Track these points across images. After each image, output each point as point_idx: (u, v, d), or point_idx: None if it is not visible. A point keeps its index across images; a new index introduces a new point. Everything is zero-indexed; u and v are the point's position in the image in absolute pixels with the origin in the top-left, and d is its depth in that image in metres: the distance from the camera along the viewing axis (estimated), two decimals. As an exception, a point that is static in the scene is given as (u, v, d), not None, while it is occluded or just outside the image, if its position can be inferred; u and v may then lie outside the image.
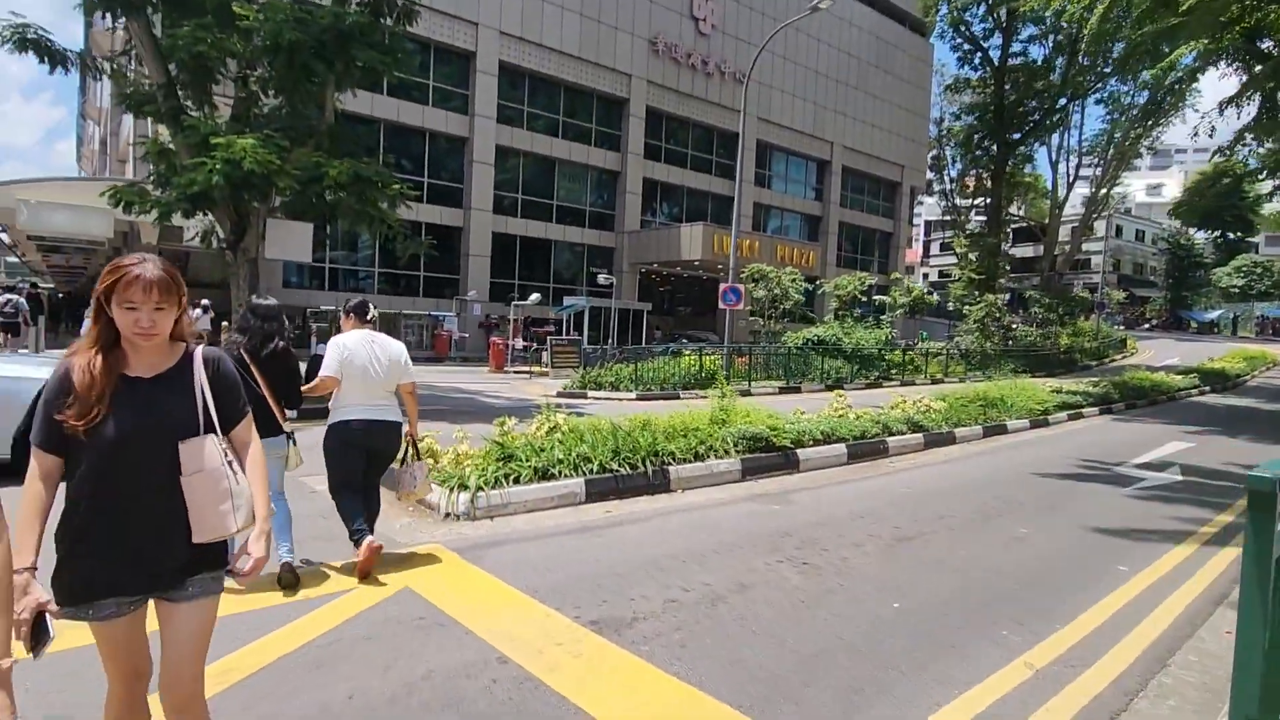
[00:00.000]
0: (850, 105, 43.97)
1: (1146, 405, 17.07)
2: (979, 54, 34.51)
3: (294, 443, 4.22)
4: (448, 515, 5.35)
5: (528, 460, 6.05)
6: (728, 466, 7.35)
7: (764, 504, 6.49)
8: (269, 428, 3.84)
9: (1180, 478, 8.50)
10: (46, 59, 11.45)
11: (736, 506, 6.38)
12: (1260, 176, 26.45)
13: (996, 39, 33.78)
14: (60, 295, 26.15)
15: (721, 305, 18.10)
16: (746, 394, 17.08)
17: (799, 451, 8.19)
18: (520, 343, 23.92)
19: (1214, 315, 63.30)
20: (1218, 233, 63.25)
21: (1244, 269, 58.03)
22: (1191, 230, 65.57)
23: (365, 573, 4.12)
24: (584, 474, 6.21)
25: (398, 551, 4.62)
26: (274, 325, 4.19)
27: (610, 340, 25.16)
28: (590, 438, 6.87)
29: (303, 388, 4.31)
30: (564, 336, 24.50)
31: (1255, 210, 59.48)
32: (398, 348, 4.50)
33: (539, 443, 6.50)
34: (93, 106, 40.54)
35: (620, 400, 15.31)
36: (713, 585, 4.30)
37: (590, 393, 15.99)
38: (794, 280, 22.39)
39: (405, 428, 4.59)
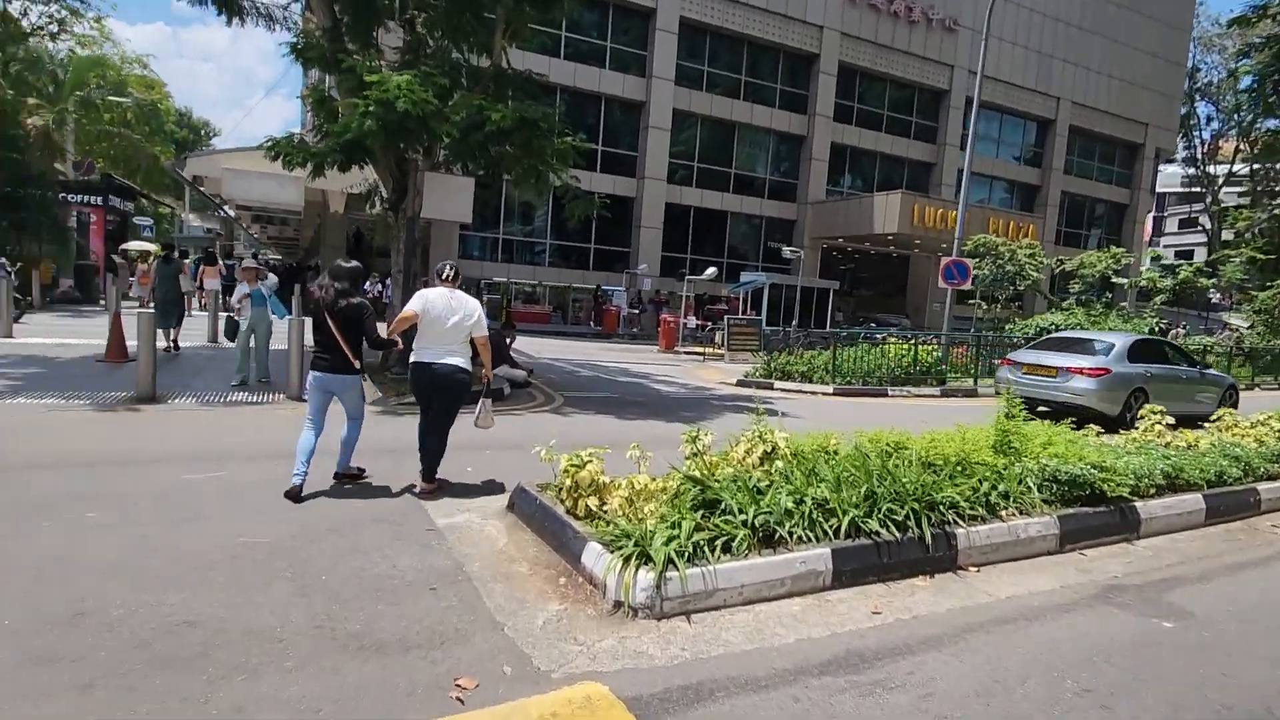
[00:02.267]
0: (1083, 53, 37.01)
1: None
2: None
3: (366, 378, 5.40)
4: (619, 605, 3.29)
5: (740, 510, 3.84)
6: (1039, 529, 4.69)
7: (1132, 615, 3.81)
8: (346, 368, 4.86)
9: None
10: (223, 9, 10.88)
11: (1082, 616, 3.76)
12: None
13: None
14: (292, 265, 27.97)
15: (941, 283, 14.80)
16: (972, 394, 13.78)
17: (1138, 505, 5.31)
18: (693, 321, 21.87)
19: None
20: None
21: None
22: None
23: None
24: (827, 537, 3.91)
25: (525, 698, 2.58)
26: (344, 284, 4.86)
27: (792, 322, 22.40)
28: (826, 470, 4.54)
29: (390, 324, 5.35)
30: (741, 316, 22.09)
31: None
32: (472, 304, 5.06)
33: (753, 478, 4.27)
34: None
35: (815, 395, 12.73)
36: None
37: (777, 383, 13.54)
38: (1032, 255, 18.24)
39: (483, 372, 5.30)
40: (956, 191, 34.79)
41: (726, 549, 3.61)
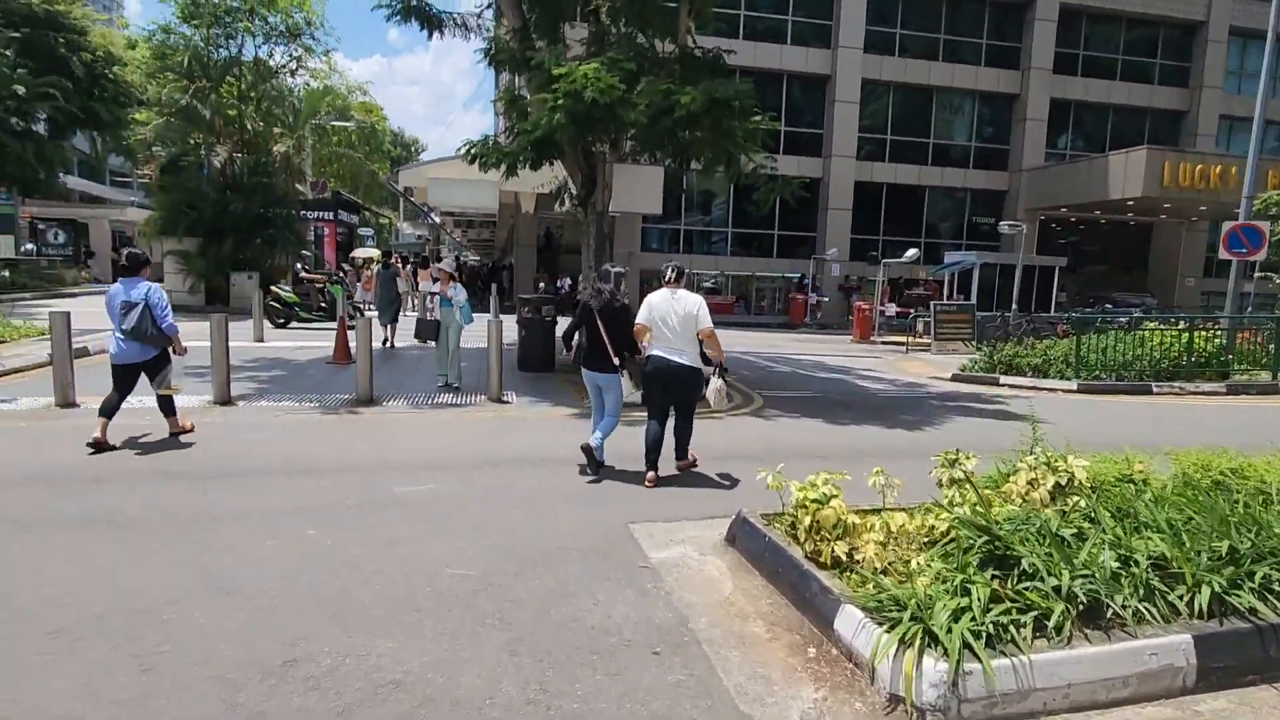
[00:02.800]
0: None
1: None
2: None
3: (624, 374, 5.50)
4: (896, 700, 2.50)
5: (1049, 572, 2.87)
6: None
7: None
8: (606, 366, 5.39)
9: None
10: (424, 25, 11.36)
11: None
12: None
13: None
14: (489, 266, 30.12)
15: (1224, 253, 12.01)
16: (1272, 390, 11.07)
17: None
18: (892, 308, 20.05)
19: None
20: None
21: None
22: None
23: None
24: (1176, 614, 2.82)
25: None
26: (612, 287, 5.45)
27: (1009, 306, 19.76)
28: (1147, 511, 3.40)
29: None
30: (949, 301, 19.89)
31: None
32: (693, 301, 5.21)
33: (1050, 521, 3.25)
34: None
35: (1055, 393, 10.84)
36: None
37: (1003, 379, 11.75)
38: (1347, 213, 14.36)
39: (708, 370, 5.45)
40: (1219, 141, 29.20)
41: (1038, 629, 2.68)
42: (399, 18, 11.30)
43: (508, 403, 8.15)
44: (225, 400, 7.44)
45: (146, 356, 5.69)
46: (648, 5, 10.02)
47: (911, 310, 21.70)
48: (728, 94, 8.84)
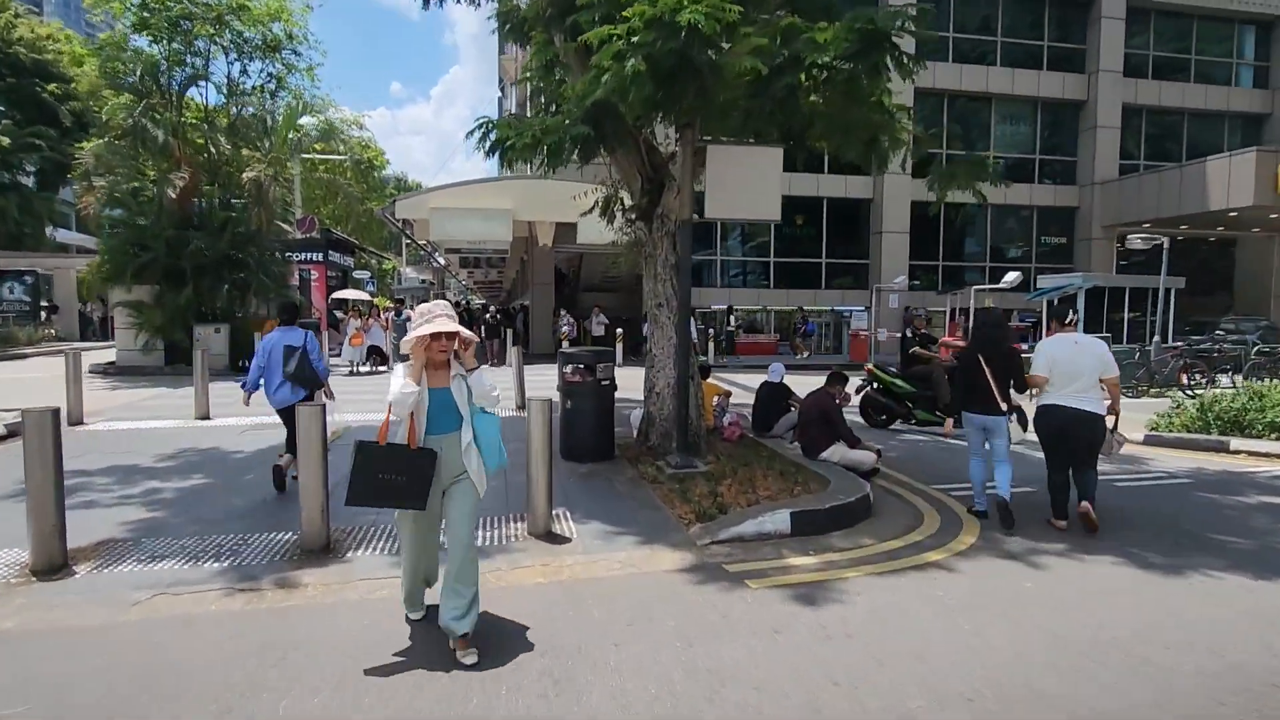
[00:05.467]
0: None
1: None
2: None
3: (1015, 417, 5.31)
4: None
5: None
6: None
7: None
8: (992, 408, 5.21)
9: None
10: (420, -12, 8.35)
11: None
12: None
13: None
14: (502, 311, 27.22)
15: None
16: None
17: None
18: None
19: None
20: None
21: None
22: None
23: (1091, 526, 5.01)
24: None
25: None
26: (997, 331, 5.54)
27: (1148, 336, 16.35)
28: None
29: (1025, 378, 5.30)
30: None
31: None
32: (1100, 346, 5.08)
33: None
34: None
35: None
36: None
37: (1233, 441, 8.32)
38: None
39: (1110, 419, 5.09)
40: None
41: None
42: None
43: (564, 539, 4.76)
44: (57, 565, 4.09)
45: (297, 398, 5.82)
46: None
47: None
48: (886, 26, 5.64)
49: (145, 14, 14.64)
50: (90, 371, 14.93)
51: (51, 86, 27.59)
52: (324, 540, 4.47)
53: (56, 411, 4.10)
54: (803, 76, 5.93)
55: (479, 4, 9.09)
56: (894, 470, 6.90)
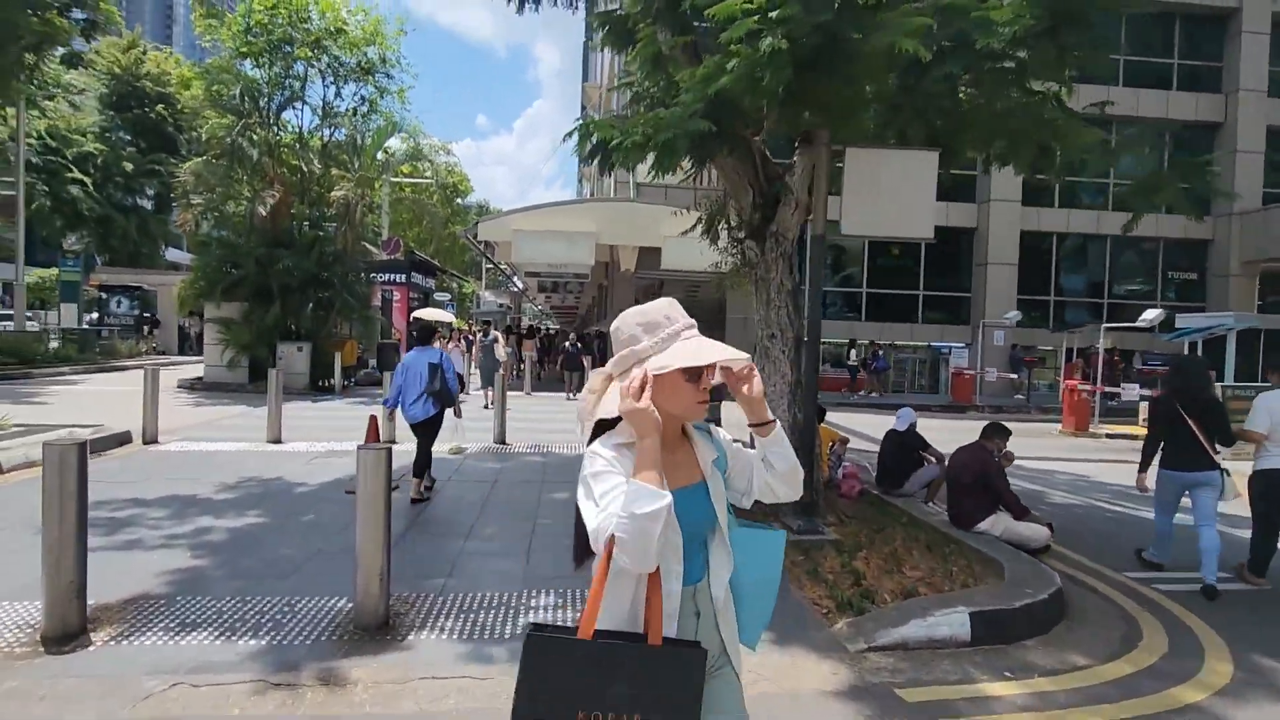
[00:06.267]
0: None
1: None
2: None
3: (1227, 475, 4.78)
4: None
5: None
6: None
7: None
8: (1203, 462, 4.78)
9: None
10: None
11: None
12: None
13: None
14: (581, 337, 26.99)
15: None
16: None
17: None
18: (1134, 390, 14.86)
19: None
20: None
21: None
22: None
23: None
24: None
25: None
26: (1196, 380, 5.07)
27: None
28: None
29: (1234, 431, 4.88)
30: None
31: None
32: None
33: None
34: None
35: None
36: None
37: None
38: None
39: None
40: None
41: None
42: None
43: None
44: (73, 633, 3.41)
45: (430, 414, 6.20)
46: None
47: (1118, 389, 16.38)
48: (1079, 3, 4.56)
49: (250, 38, 14.91)
50: (179, 386, 15.08)
51: (168, 112, 29.29)
52: (381, 615, 3.65)
53: (84, 446, 3.45)
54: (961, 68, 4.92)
55: (576, 7, 8.53)
56: (1062, 547, 5.60)
